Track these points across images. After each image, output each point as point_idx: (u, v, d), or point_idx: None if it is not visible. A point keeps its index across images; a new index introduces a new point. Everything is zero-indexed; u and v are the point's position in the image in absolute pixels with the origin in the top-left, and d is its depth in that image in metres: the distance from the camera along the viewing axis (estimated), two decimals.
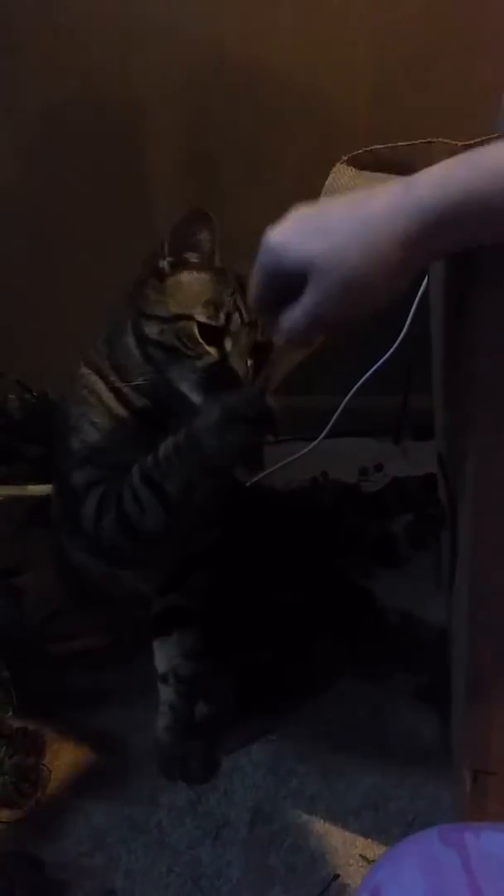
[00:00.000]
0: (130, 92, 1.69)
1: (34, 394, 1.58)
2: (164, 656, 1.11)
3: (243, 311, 0.90)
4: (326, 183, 1.04)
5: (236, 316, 0.90)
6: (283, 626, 1.26)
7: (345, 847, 0.98)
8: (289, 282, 0.61)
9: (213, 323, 0.89)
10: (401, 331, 1.70)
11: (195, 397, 0.89)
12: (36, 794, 1.07)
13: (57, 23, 1.66)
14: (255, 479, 1.67)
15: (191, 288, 0.91)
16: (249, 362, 0.90)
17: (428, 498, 1.39)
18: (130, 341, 0.93)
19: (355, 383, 1.78)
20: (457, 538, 0.83)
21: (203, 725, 1.13)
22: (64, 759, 1.12)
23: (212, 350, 0.89)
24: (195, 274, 0.92)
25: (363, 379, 1.77)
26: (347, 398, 1.79)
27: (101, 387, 0.96)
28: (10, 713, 1.07)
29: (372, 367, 1.77)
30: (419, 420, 1.76)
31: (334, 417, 1.80)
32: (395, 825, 1.00)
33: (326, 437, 1.81)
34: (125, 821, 1.04)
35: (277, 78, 1.63)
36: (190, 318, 0.89)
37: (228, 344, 0.89)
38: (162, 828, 1.03)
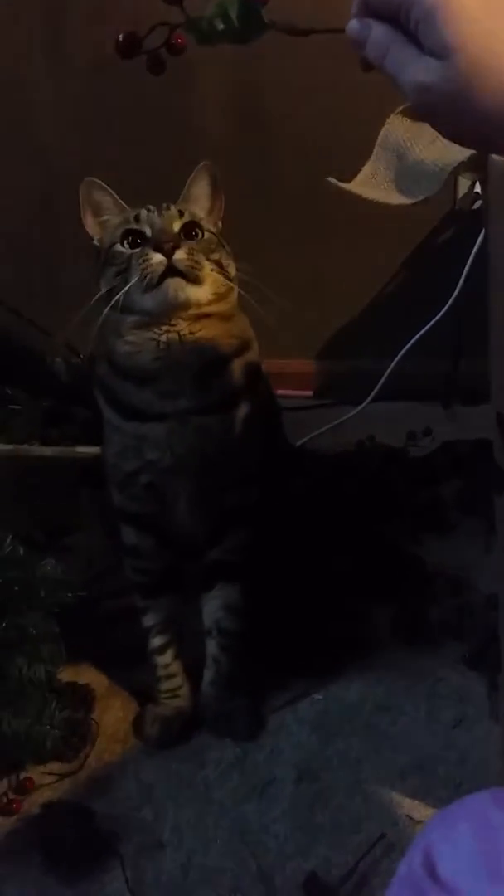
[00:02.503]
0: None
1: (81, 357, 1.59)
2: (208, 610, 1.12)
3: (150, 205, 0.98)
4: (380, 135, 1.01)
5: (143, 211, 0.97)
6: (330, 588, 1.26)
7: (391, 807, 0.99)
8: (412, 30, 0.50)
9: (127, 227, 0.96)
10: (451, 293, 1.67)
11: (139, 287, 0.94)
12: (85, 747, 1.09)
13: None
14: (301, 442, 1.66)
15: (110, 228, 1.00)
16: (177, 229, 0.96)
17: (479, 463, 1.36)
18: (104, 309, 0.98)
19: (404, 346, 1.75)
20: None
21: (249, 682, 1.13)
22: (113, 713, 1.15)
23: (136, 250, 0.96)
24: (112, 223, 1.00)
25: (412, 342, 1.75)
26: (395, 361, 1.76)
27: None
28: (61, 668, 1.09)
29: (421, 329, 1.74)
30: (469, 384, 1.73)
31: (381, 381, 1.78)
32: (442, 788, 1.00)
33: (373, 400, 1.79)
34: (173, 776, 1.05)
35: (328, 38, 1.58)
36: (112, 244, 0.97)
37: (147, 230, 0.96)
38: (209, 783, 1.04)
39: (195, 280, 0.94)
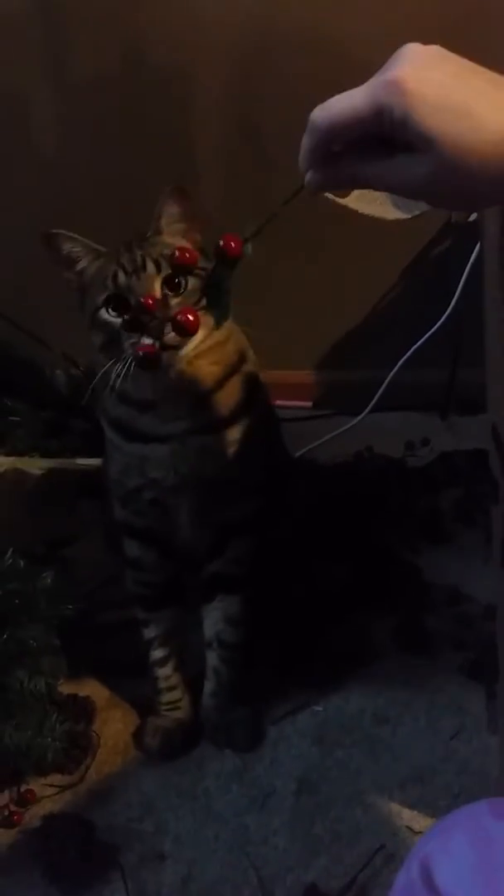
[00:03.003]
0: (177, 63, 1.68)
1: (81, 368, 1.60)
2: (209, 622, 1.12)
3: (125, 263, 0.92)
4: None
5: (120, 273, 0.92)
6: (329, 599, 1.26)
7: (390, 818, 0.99)
8: (390, 133, 0.53)
9: (108, 293, 0.92)
10: (448, 303, 1.67)
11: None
12: (86, 759, 1.10)
13: None
14: (300, 453, 1.67)
15: (92, 283, 0.95)
16: (158, 287, 0.91)
17: (477, 473, 1.37)
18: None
19: (401, 357, 1.76)
20: None
21: (249, 694, 1.14)
22: (113, 725, 1.15)
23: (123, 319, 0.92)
24: (91, 269, 0.96)
25: (410, 352, 1.75)
26: (393, 372, 1.77)
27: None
28: (61, 680, 1.09)
29: (419, 340, 1.74)
30: (467, 394, 1.74)
31: (380, 391, 1.78)
32: (441, 798, 1.00)
33: (371, 411, 1.80)
34: (173, 787, 1.06)
35: (326, 47, 1.60)
36: (97, 309, 0.93)
37: (131, 298, 0.91)
38: (209, 795, 1.04)
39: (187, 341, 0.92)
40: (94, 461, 1.24)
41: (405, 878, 0.53)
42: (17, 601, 1.04)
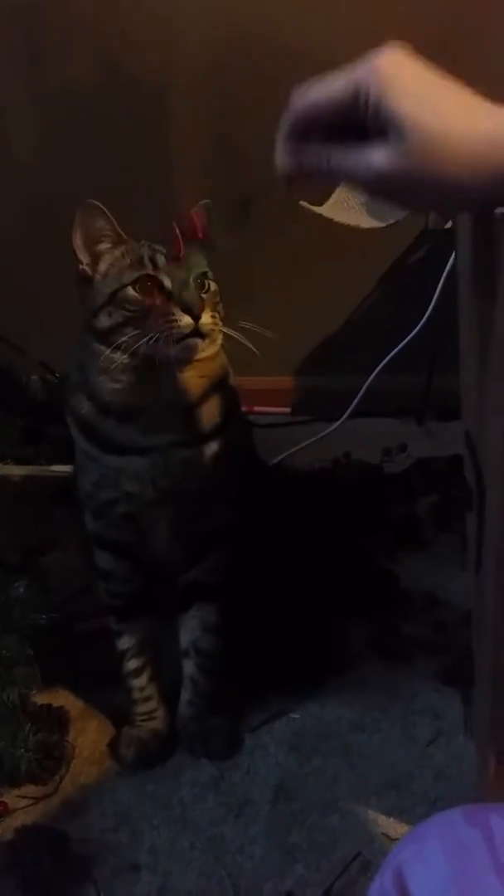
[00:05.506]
0: (153, 75, 1.68)
1: (56, 375, 1.59)
2: (185, 631, 1.11)
3: (160, 248, 0.92)
4: None
5: (160, 256, 0.92)
6: (305, 605, 1.26)
7: (367, 826, 0.98)
8: (364, 119, 0.53)
9: (143, 272, 0.91)
10: (425, 310, 1.69)
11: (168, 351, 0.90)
12: (60, 770, 1.08)
13: (79, 6, 1.65)
14: (278, 459, 1.67)
15: (112, 265, 0.94)
16: (194, 284, 0.92)
17: (453, 479, 1.37)
18: (95, 345, 0.94)
19: (378, 363, 1.77)
20: (484, 519, 0.82)
21: (226, 702, 1.13)
22: (88, 736, 1.14)
23: (157, 300, 0.91)
24: (111, 254, 0.95)
25: (387, 359, 1.76)
26: (371, 378, 1.77)
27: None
28: (35, 690, 1.08)
29: (396, 346, 1.75)
30: (443, 400, 1.75)
31: (357, 398, 1.79)
32: (418, 805, 1.00)
33: (349, 417, 1.80)
34: (148, 797, 1.05)
35: (302, 62, 1.60)
36: (122, 286, 0.92)
37: (167, 281, 0.91)
38: (185, 804, 1.03)
39: (211, 338, 0.93)
40: (69, 468, 1.23)
41: (379, 886, 0.53)
42: None
